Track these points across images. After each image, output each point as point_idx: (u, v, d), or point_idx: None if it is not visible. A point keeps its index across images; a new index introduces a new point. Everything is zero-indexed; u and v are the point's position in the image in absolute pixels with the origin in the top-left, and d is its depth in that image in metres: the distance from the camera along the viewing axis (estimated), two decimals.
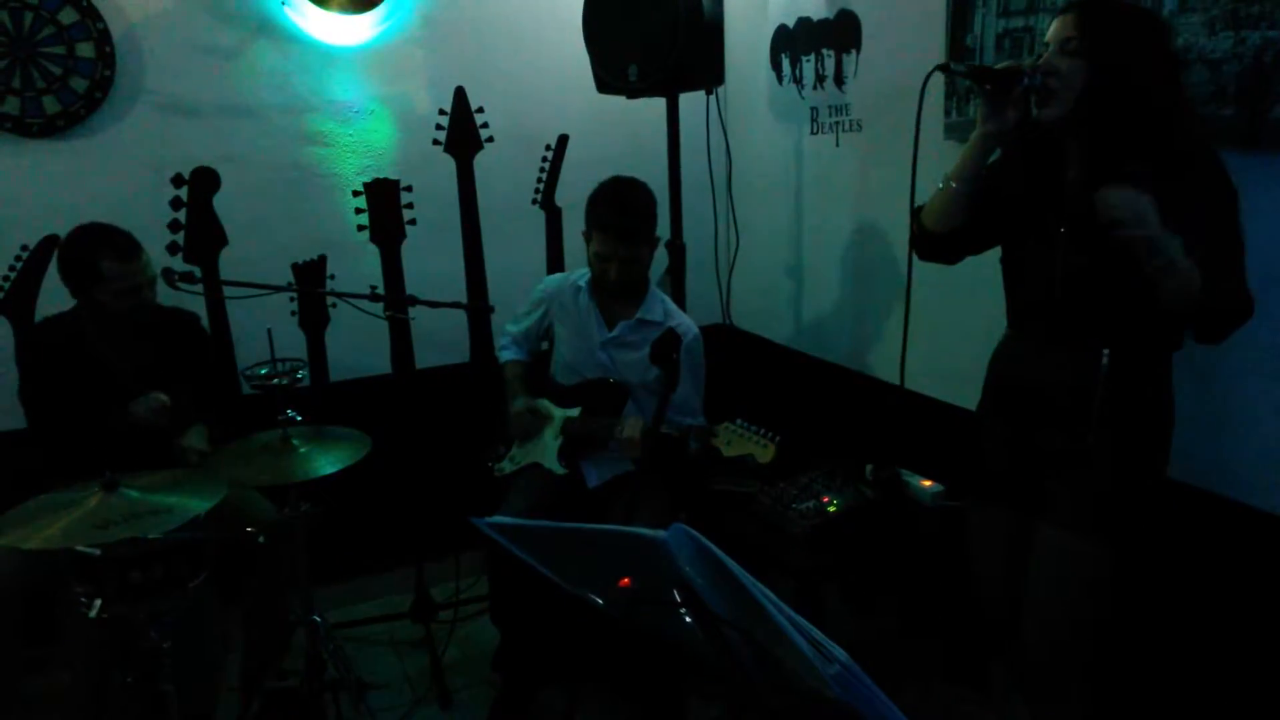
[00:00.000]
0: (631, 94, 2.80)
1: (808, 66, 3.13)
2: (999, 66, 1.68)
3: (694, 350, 2.58)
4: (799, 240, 3.33)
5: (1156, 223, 1.48)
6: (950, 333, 2.59)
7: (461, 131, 3.21)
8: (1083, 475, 1.72)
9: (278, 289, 2.61)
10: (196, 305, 2.78)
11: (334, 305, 3.13)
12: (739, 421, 2.25)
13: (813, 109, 3.14)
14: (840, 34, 2.95)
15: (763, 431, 2.22)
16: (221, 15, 2.88)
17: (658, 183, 2.68)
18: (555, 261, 3.44)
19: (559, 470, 2.54)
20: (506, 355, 2.78)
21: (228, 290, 2.69)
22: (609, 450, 2.58)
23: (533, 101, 3.31)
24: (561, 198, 3.39)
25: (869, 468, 2.67)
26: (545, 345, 2.79)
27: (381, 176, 3.14)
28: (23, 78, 2.64)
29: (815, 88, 3.10)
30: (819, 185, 3.20)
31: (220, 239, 2.96)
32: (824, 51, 3.03)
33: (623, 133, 3.30)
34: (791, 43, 3.20)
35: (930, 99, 2.49)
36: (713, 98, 3.17)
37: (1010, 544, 1.87)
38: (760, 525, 2.54)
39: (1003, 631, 1.94)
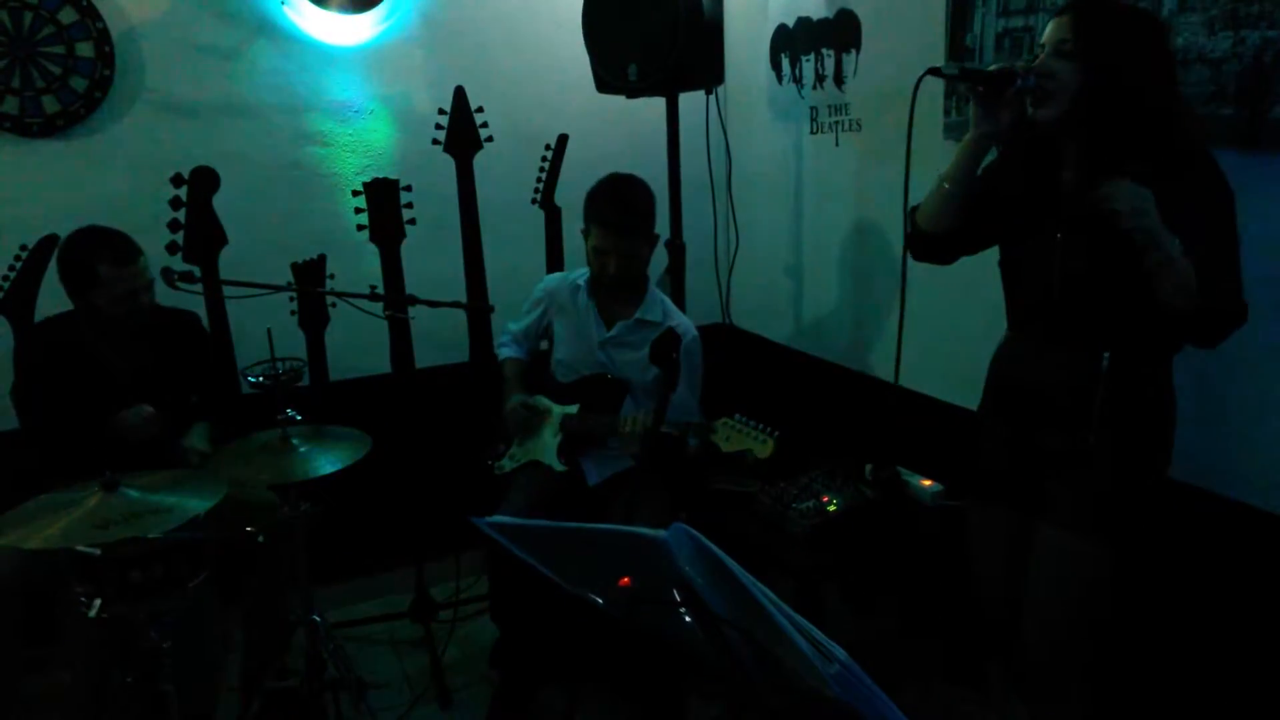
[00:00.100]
0: (631, 94, 2.80)
1: (807, 66, 3.13)
2: (992, 68, 1.68)
3: (692, 352, 2.58)
4: (798, 240, 3.33)
5: (1156, 216, 1.49)
6: (950, 332, 2.59)
7: (461, 131, 3.21)
8: (1083, 475, 1.72)
9: (277, 289, 2.61)
10: (196, 305, 2.78)
11: (334, 305, 3.13)
12: (737, 416, 2.24)
13: (812, 108, 3.14)
14: (840, 34, 2.95)
15: (761, 426, 2.21)
16: (221, 15, 2.87)
17: (657, 182, 2.69)
18: (555, 261, 3.43)
19: (559, 467, 2.54)
20: (505, 353, 2.79)
21: (227, 290, 2.68)
22: (608, 447, 2.58)
23: (532, 101, 3.31)
24: (561, 197, 3.39)
25: (869, 467, 2.66)
26: (545, 344, 2.80)
27: (381, 176, 3.14)
28: (22, 77, 2.64)
29: (815, 87, 3.10)
30: (818, 185, 3.20)
31: (220, 238, 2.96)
32: (824, 51, 3.03)
33: (622, 132, 3.30)
34: (791, 42, 3.20)
35: (929, 99, 2.52)
36: (712, 97, 3.17)
37: (1010, 544, 1.87)
38: (760, 525, 2.54)
39: (1002, 631, 1.95)
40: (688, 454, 2.44)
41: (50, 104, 2.68)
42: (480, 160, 3.27)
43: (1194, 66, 1.88)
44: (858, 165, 2.98)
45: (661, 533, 1.04)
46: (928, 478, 2.62)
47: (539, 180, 3.38)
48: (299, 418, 2.30)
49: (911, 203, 1.88)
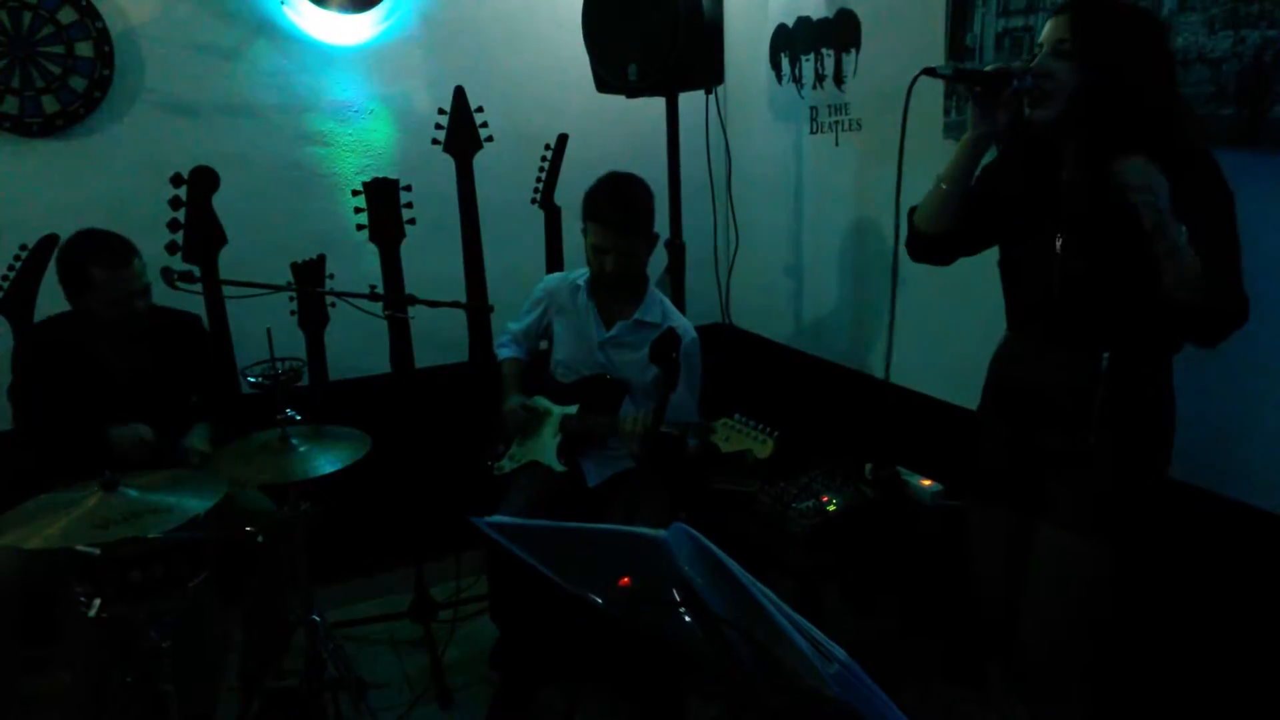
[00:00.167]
0: (631, 93, 2.80)
1: (807, 66, 3.13)
2: (988, 69, 1.67)
3: (691, 353, 2.58)
4: (798, 239, 3.33)
5: (1167, 196, 1.48)
6: (950, 332, 2.59)
7: (461, 131, 3.21)
8: (1083, 475, 1.72)
9: (277, 288, 2.61)
10: (196, 305, 2.78)
11: (333, 305, 3.13)
12: (737, 416, 2.24)
13: (812, 108, 3.14)
14: (840, 33, 2.95)
15: (761, 426, 2.21)
16: (221, 15, 2.87)
17: (657, 182, 2.68)
18: (555, 261, 3.44)
19: (558, 468, 2.54)
20: (504, 353, 2.79)
21: (227, 290, 2.68)
22: (608, 448, 2.58)
23: (532, 101, 3.30)
24: (561, 197, 3.39)
25: (869, 467, 2.67)
26: (544, 344, 2.80)
27: (381, 176, 3.14)
28: (22, 77, 2.64)
29: (815, 87, 3.10)
30: (818, 184, 3.20)
31: (219, 238, 2.96)
32: (823, 51, 3.03)
33: (622, 132, 3.30)
34: (791, 42, 3.20)
35: (930, 99, 2.52)
36: (712, 97, 3.17)
37: (1010, 544, 1.87)
38: (760, 525, 2.53)
39: (1002, 631, 1.94)
40: (687, 454, 2.44)
41: (50, 104, 2.68)
42: (480, 160, 3.27)
43: (1194, 66, 1.88)
44: (858, 165, 2.98)
45: (661, 533, 1.04)
46: (928, 478, 2.62)
47: (539, 180, 3.38)
48: (299, 418, 2.29)
49: (911, 203, 1.89)
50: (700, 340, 2.64)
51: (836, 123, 3.03)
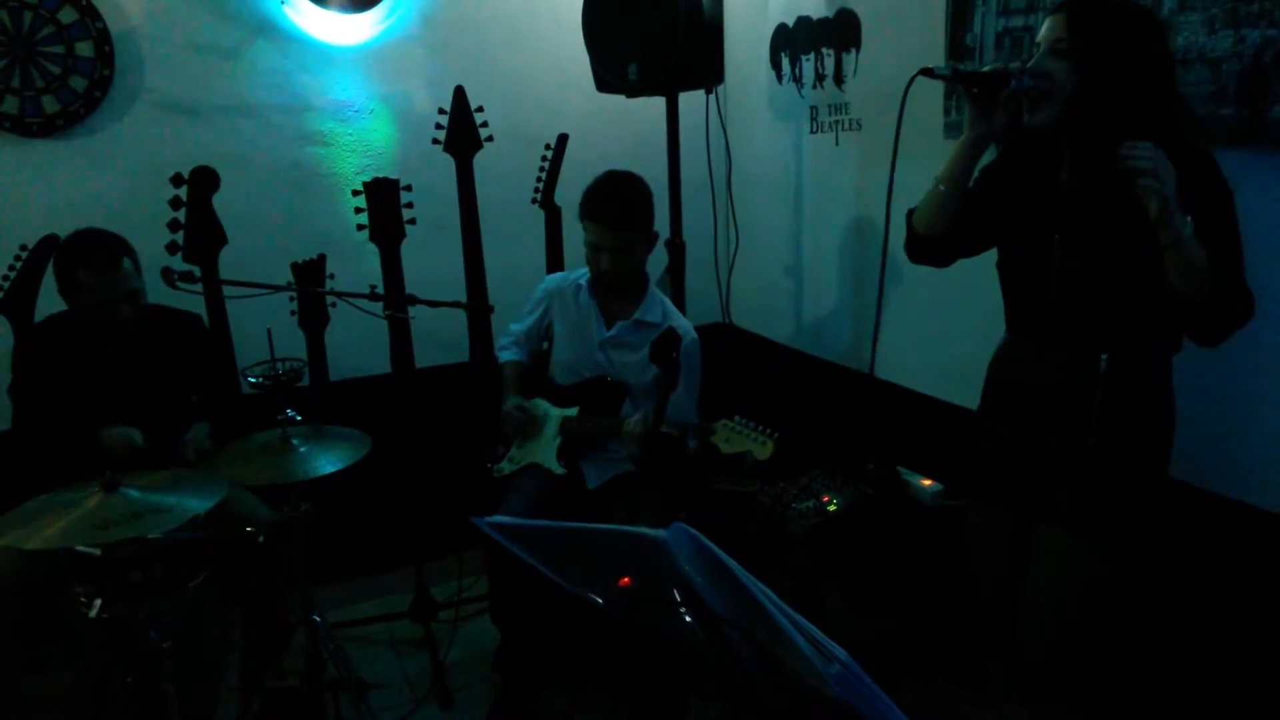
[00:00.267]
0: (631, 93, 2.80)
1: (807, 65, 3.13)
2: (985, 70, 1.67)
3: (691, 354, 2.57)
4: (798, 239, 3.33)
5: (1174, 184, 1.46)
6: (950, 332, 2.59)
7: (461, 131, 3.21)
8: (1082, 476, 1.72)
9: (277, 288, 2.61)
10: (196, 305, 2.78)
11: (334, 305, 3.13)
12: (737, 418, 2.24)
13: (812, 108, 3.14)
14: (840, 33, 2.95)
15: (761, 428, 2.21)
16: (221, 15, 2.87)
17: (657, 182, 2.68)
18: (555, 261, 3.44)
19: (558, 470, 2.54)
20: (505, 355, 2.78)
21: (227, 290, 2.69)
22: (608, 450, 2.58)
23: (532, 101, 3.30)
24: (561, 197, 3.39)
25: (869, 467, 2.67)
26: (546, 345, 2.79)
27: (381, 176, 3.14)
28: (22, 77, 2.64)
29: (815, 87, 3.10)
30: (818, 184, 3.20)
31: (220, 238, 2.96)
32: (824, 50, 3.03)
33: (622, 132, 3.30)
34: (791, 41, 3.20)
35: (930, 99, 2.52)
36: (712, 97, 3.17)
37: (1009, 544, 1.87)
38: (760, 524, 2.54)
39: (1001, 631, 1.94)
40: (687, 455, 2.44)
41: (50, 104, 2.68)
42: (480, 160, 3.27)
43: (1194, 66, 1.88)
44: (858, 165, 2.98)
45: (661, 532, 1.04)
46: (928, 477, 2.62)
47: (539, 180, 3.38)
48: (299, 418, 2.30)
49: (911, 203, 1.88)
50: (700, 340, 2.64)
51: (836, 122, 3.03)
